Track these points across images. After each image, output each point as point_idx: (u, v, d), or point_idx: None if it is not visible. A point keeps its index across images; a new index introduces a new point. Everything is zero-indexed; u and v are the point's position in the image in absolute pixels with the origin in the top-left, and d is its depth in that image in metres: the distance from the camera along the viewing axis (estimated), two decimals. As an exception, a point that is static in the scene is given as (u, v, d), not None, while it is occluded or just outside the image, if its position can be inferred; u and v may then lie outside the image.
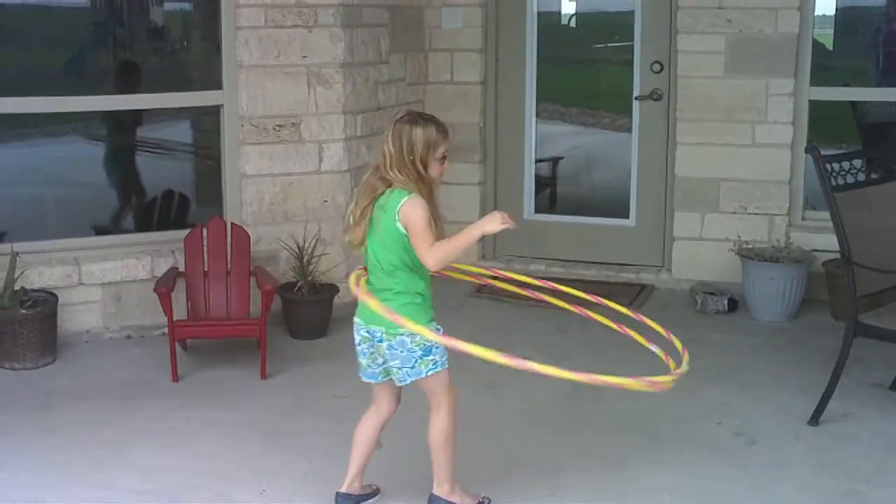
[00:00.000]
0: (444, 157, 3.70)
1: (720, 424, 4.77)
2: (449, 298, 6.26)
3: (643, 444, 4.57)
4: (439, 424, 3.77)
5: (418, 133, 3.63)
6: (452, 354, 3.64)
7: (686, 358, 3.56)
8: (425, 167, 3.65)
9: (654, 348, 3.77)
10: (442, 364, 3.72)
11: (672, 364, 3.59)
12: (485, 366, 5.06)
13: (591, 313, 4.01)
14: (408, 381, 3.73)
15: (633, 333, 3.87)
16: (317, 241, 6.04)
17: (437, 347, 3.69)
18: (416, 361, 3.68)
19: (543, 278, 4.25)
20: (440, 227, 3.66)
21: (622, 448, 4.53)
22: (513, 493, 4.10)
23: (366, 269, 3.75)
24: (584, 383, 3.38)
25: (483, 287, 6.76)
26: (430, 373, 3.70)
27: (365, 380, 3.87)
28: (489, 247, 7.43)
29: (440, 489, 3.83)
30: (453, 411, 3.79)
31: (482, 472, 4.21)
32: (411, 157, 3.62)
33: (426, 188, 3.65)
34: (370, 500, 4.01)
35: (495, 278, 4.26)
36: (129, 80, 6.66)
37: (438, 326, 3.71)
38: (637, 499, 4.09)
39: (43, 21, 6.41)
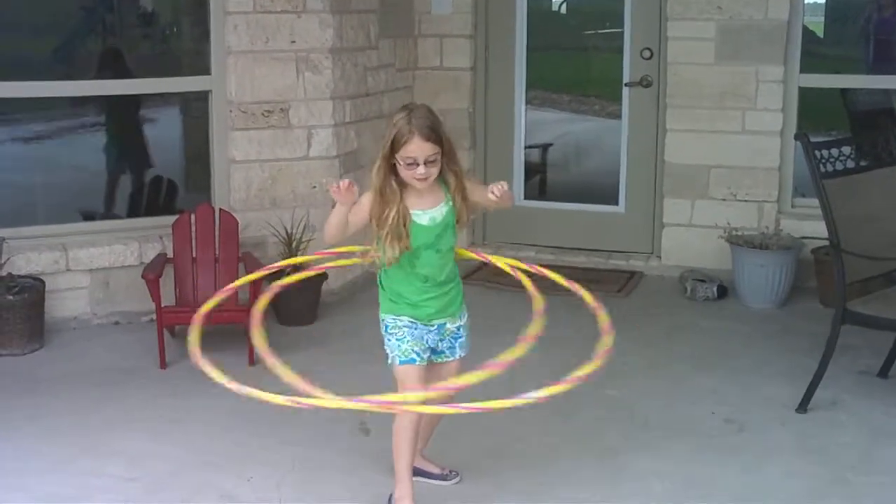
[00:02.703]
0: (413, 162, 3.49)
1: (712, 413, 4.76)
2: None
3: (633, 430, 4.57)
4: (396, 421, 3.74)
5: (393, 120, 3.55)
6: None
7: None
8: (391, 163, 3.54)
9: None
10: (393, 358, 3.71)
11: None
12: (473, 352, 5.04)
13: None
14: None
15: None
16: (304, 226, 6.02)
17: (388, 340, 3.71)
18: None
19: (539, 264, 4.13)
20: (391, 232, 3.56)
21: (612, 435, 4.53)
22: (503, 480, 4.10)
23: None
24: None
25: (472, 273, 6.77)
26: (388, 361, 3.74)
27: None
28: (479, 233, 7.42)
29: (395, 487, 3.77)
30: (405, 416, 3.68)
31: (472, 460, 4.21)
32: (381, 145, 3.56)
33: (391, 188, 3.54)
34: (433, 479, 4.05)
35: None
36: (117, 66, 6.63)
37: (383, 317, 3.72)
38: (627, 485, 4.09)
39: (32, 6, 6.37)
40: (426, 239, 3.62)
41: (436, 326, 3.76)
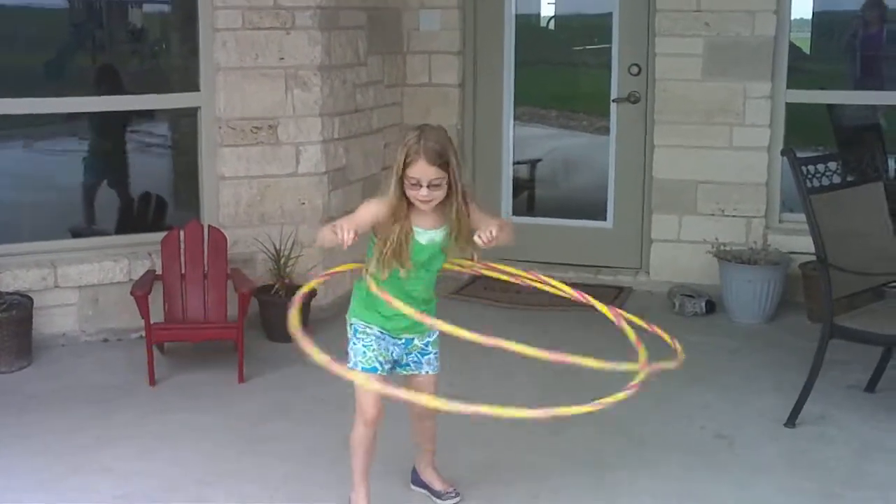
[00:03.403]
0: (417, 183, 3.50)
1: (703, 428, 4.77)
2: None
3: (624, 446, 4.58)
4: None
5: (405, 139, 3.54)
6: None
7: (678, 347, 3.65)
8: (401, 180, 3.54)
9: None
10: (355, 363, 3.72)
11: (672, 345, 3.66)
12: (462, 362, 5.02)
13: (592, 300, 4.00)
14: None
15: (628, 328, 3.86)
16: (293, 243, 6.02)
17: (354, 344, 3.74)
18: None
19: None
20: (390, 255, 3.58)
21: (604, 450, 4.53)
22: (495, 496, 4.10)
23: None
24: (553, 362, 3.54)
25: (463, 288, 6.78)
26: (349, 364, 3.74)
27: None
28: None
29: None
30: (357, 421, 3.74)
31: (464, 474, 4.20)
32: (396, 161, 3.55)
33: (399, 205, 3.55)
34: (432, 495, 4.06)
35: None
36: (107, 82, 6.63)
37: (353, 322, 3.76)
38: (619, 501, 4.09)
39: (20, 22, 6.37)
40: (421, 257, 3.64)
41: (403, 340, 3.80)
